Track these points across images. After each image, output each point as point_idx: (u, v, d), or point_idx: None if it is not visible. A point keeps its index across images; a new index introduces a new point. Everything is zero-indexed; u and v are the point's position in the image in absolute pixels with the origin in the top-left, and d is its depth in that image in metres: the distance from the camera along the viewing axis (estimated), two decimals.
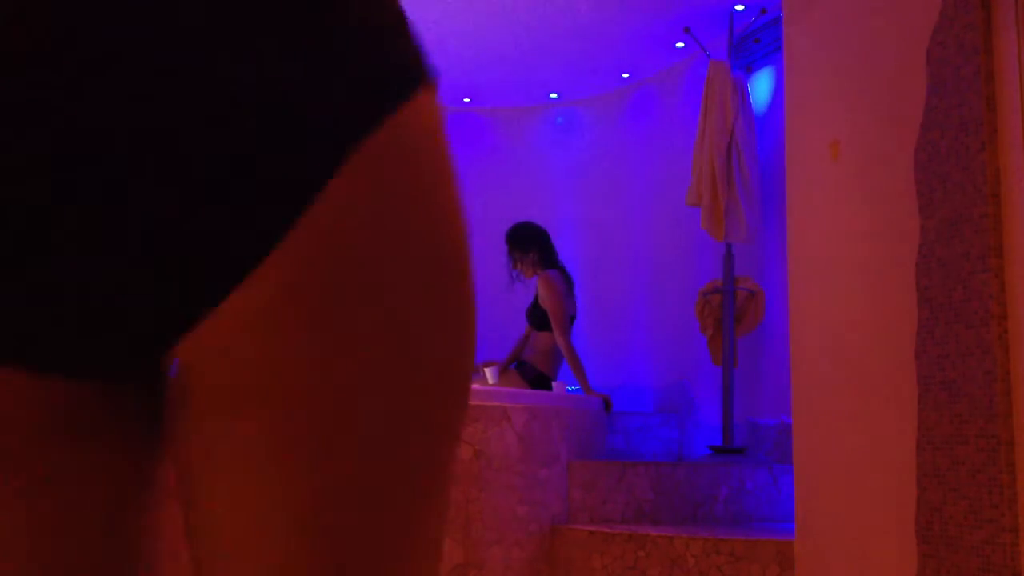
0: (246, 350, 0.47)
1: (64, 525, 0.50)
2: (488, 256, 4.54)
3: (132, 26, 0.41)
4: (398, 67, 0.50)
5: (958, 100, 2.60)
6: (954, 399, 2.55)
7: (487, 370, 4.76)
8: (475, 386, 4.27)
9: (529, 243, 4.97)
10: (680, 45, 5.40)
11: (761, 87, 5.02)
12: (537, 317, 4.89)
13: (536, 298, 4.90)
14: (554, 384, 4.86)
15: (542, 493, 3.87)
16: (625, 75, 5.92)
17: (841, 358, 2.97)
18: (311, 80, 0.46)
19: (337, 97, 0.46)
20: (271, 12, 0.45)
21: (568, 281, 4.96)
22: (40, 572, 0.49)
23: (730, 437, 4.67)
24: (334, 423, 0.48)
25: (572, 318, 4.93)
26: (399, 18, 0.51)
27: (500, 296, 4.94)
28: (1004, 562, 2.38)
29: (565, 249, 5.21)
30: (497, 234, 5.00)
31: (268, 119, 0.44)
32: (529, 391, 4.52)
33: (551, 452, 3.92)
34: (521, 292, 5.04)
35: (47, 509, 0.49)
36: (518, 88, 6.15)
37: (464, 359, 0.54)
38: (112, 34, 0.41)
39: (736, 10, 4.94)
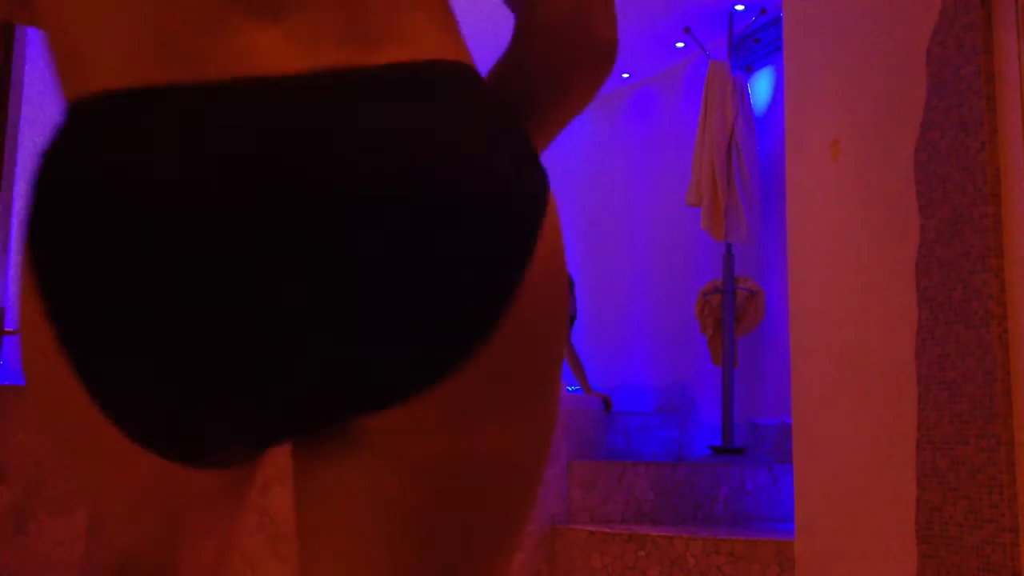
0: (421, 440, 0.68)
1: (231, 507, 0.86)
2: None
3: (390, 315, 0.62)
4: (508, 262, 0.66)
5: (958, 100, 2.60)
6: (954, 399, 2.55)
7: None
8: None
9: None
10: (680, 45, 5.40)
11: (761, 87, 5.01)
12: None
13: None
14: None
15: (542, 493, 3.87)
16: (625, 75, 5.92)
17: (841, 358, 2.97)
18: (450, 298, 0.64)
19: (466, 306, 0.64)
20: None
21: (568, 281, 4.95)
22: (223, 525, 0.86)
23: (730, 437, 4.67)
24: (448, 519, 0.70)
25: (572, 318, 4.93)
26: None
27: None
28: (1004, 562, 2.38)
29: (565, 249, 5.20)
30: None
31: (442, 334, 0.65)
32: None
33: (551, 452, 3.92)
34: None
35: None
36: None
37: (537, 488, 0.77)
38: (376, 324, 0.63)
39: (736, 10, 4.94)
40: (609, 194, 6.07)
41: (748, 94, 4.88)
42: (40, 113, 4.86)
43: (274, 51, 0.61)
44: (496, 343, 0.64)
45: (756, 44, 4.99)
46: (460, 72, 0.68)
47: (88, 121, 0.61)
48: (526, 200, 0.67)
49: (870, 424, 2.83)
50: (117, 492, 0.73)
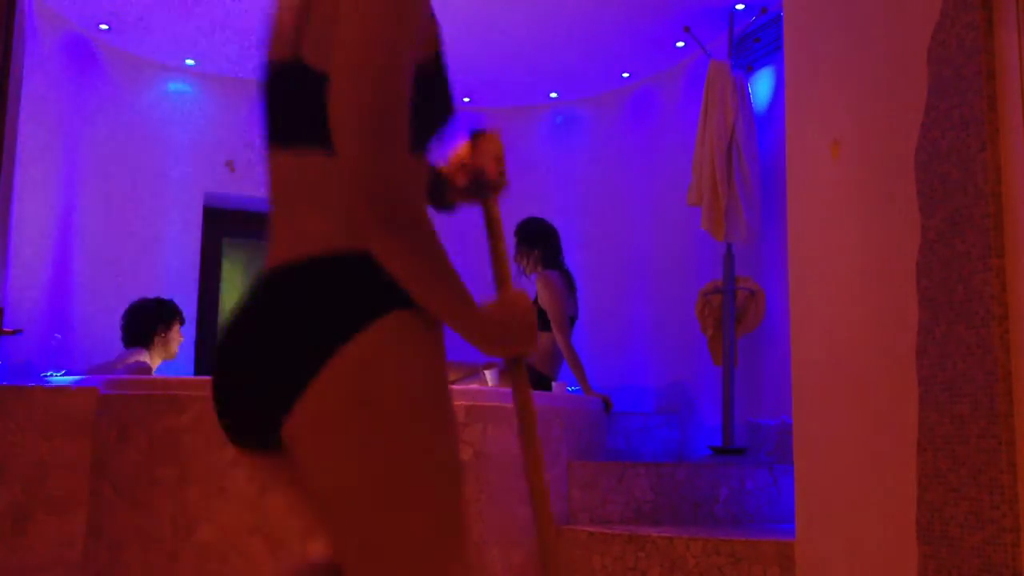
0: (299, 450, 1.22)
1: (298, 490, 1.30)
2: (487, 255, 4.50)
3: (250, 371, 1.24)
4: (328, 339, 1.19)
5: (959, 100, 2.59)
6: (955, 399, 2.54)
7: (487, 372, 4.75)
8: (475, 386, 4.26)
9: (536, 240, 4.94)
10: (680, 45, 5.40)
11: (761, 87, 5.01)
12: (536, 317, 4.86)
13: (535, 298, 4.88)
14: (554, 384, 4.84)
15: None
16: (625, 75, 5.91)
17: (841, 358, 2.96)
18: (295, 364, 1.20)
19: (311, 369, 1.19)
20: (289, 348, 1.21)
21: (569, 282, 4.94)
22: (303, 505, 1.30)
23: (730, 437, 4.67)
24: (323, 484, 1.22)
25: (573, 319, 4.92)
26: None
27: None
28: (1005, 562, 2.38)
29: (565, 249, 5.20)
30: None
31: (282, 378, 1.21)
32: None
33: (551, 452, 3.92)
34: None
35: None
36: (518, 88, 6.15)
37: (393, 467, 1.20)
38: (246, 377, 1.25)
39: (736, 9, 4.93)
40: (609, 194, 6.07)
41: (748, 94, 4.88)
42: (40, 113, 4.86)
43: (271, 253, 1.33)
44: (315, 389, 1.18)
45: (756, 43, 4.98)
46: (315, 265, 1.24)
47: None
48: (327, 335, 1.18)
49: (870, 424, 2.83)
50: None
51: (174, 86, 5.88)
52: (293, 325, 1.19)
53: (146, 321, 4.69)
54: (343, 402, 1.16)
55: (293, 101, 1.31)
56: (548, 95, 6.27)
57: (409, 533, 1.17)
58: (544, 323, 4.85)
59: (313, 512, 1.27)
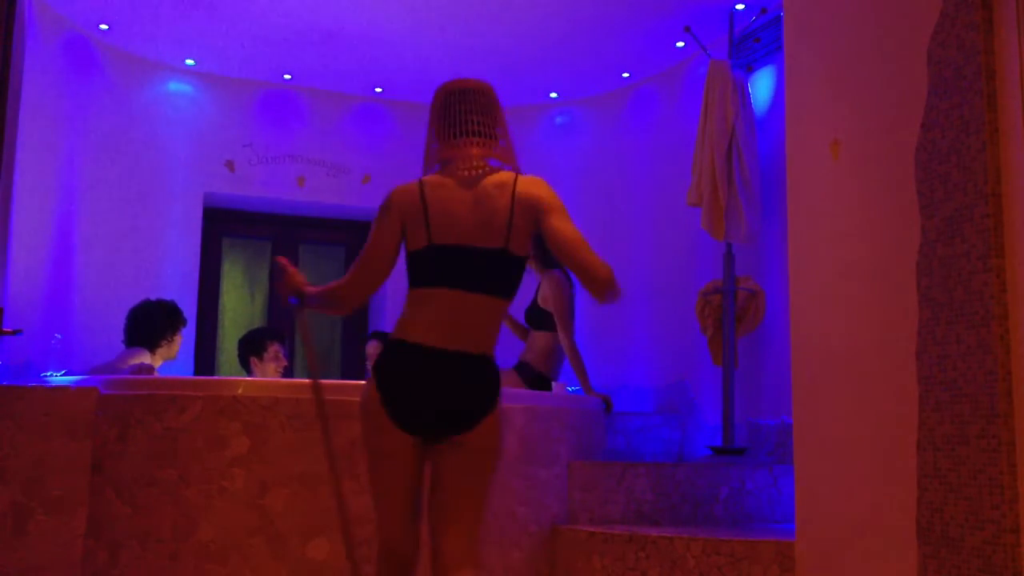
0: (470, 443, 2.51)
1: (419, 470, 2.55)
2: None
3: (455, 414, 2.48)
4: (491, 403, 2.52)
5: (959, 100, 2.59)
6: (955, 399, 2.54)
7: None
8: None
9: (538, 240, 4.93)
10: (680, 45, 5.40)
11: (761, 87, 5.01)
12: (536, 317, 4.86)
13: (536, 298, 4.87)
14: (554, 384, 4.84)
15: (542, 494, 3.86)
16: (625, 75, 5.91)
17: (841, 358, 2.96)
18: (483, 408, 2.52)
19: (487, 409, 2.50)
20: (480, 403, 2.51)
21: (569, 282, 4.94)
22: (419, 482, 2.55)
23: (730, 437, 4.66)
24: (476, 463, 2.53)
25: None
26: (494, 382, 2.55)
27: None
28: (1005, 563, 2.38)
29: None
30: None
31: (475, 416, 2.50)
32: (529, 392, 4.51)
33: (551, 452, 3.92)
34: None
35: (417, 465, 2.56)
36: (518, 88, 6.14)
37: (498, 458, 2.58)
38: (451, 415, 2.48)
39: (736, 9, 4.93)
40: (609, 194, 6.06)
41: (748, 94, 4.88)
42: (40, 113, 4.86)
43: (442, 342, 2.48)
44: (488, 419, 2.49)
45: (756, 43, 4.98)
46: (487, 357, 2.51)
47: (397, 349, 2.50)
48: (494, 394, 2.51)
49: (871, 424, 2.83)
50: (393, 451, 2.48)
51: (174, 86, 5.88)
52: (484, 388, 2.48)
53: (152, 325, 4.70)
54: (495, 423, 2.51)
55: (494, 271, 2.48)
56: (548, 95, 6.27)
57: (489, 486, 2.56)
58: (543, 323, 4.85)
59: (458, 464, 2.48)
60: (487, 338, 2.49)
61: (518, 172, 2.57)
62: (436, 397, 2.42)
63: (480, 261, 2.46)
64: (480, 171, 2.51)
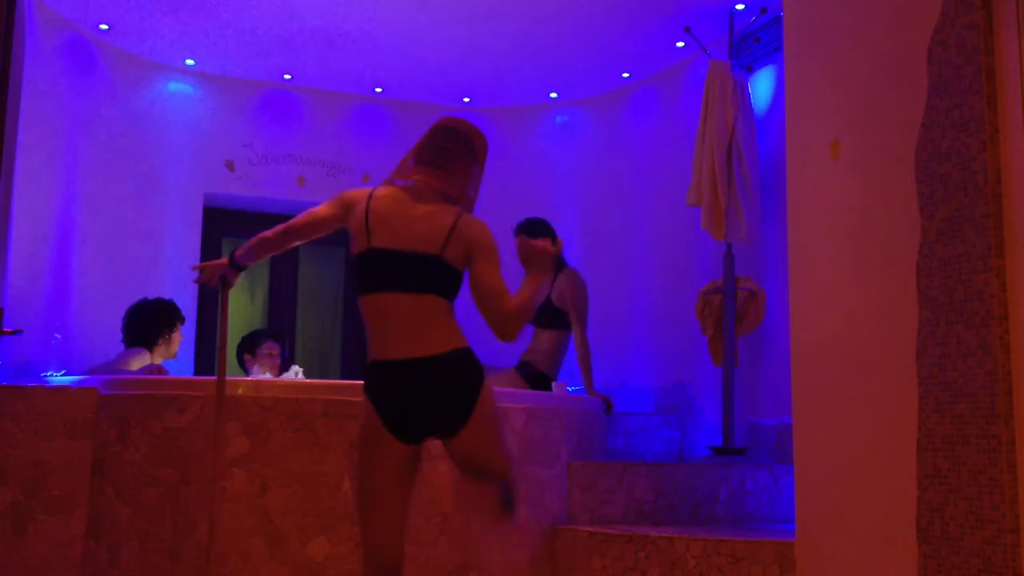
0: (463, 443, 2.62)
1: (411, 471, 2.66)
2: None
3: (430, 416, 2.60)
4: (468, 398, 2.60)
5: (959, 100, 2.59)
6: (955, 400, 2.54)
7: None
8: None
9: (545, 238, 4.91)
10: (680, 45, 5.40)
11: (761, 87, 5.01)
12: (548, 316, 4.83)
13: (549, 295, 4.83)
14: (554, 384, 4.84)
15: (542, 494, 3.87)
16: (625, 75, 5.91)
17: (841, 358, 2.96)
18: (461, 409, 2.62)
19: (465, 404, 2.60)
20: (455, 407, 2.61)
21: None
22: (406, 494, 2.66)
23: (730, 437, 4.66)
24: (478, 450, 2.63)
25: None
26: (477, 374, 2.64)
27: None
28: (1005, 563, 2.38)
29: (565, 249, 5.20)
30: (496, 233, 4.97)
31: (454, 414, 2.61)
32: (529, 391, 4.50)
33: (551, 452, 3.92)
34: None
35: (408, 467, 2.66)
36: (518, 88, 6.14)
37: (498, 432, 2.68)
38: (425, 415, 2.61)
39: (737, 9, 4.93)
40: (609, 194, 6.06)
41: (748, 94, 4.88)
42: (40, 113, 4.86)
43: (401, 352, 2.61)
44: (473, 417, 2.58)
45: (756, 43, 4.98)
46: (458, 350, 2.60)
47: (368, 371, 2.65)
48: (475, 386, 2.59)
49: (871, 424, 2.83)
50: (382, 457, 2.59)
51: (174, 86, 5.88)
52: (461, 387, 2.57)
53: (149, 323, 4.70)
54: (483, 418, 2.59)
55: (427, 273, 2.60)
56: (548, 95, 6.27)
57: (501, 446, 2.64)
58: (554, 322, 4.83)
59: (464, 451, 2.60)
60: (438, 338, 2.58)
61: (467, 211, 2.79)
62: (412, 408, 2.57)
63: (412, 263, 2.61)
64: (431, 196, 2.71)
